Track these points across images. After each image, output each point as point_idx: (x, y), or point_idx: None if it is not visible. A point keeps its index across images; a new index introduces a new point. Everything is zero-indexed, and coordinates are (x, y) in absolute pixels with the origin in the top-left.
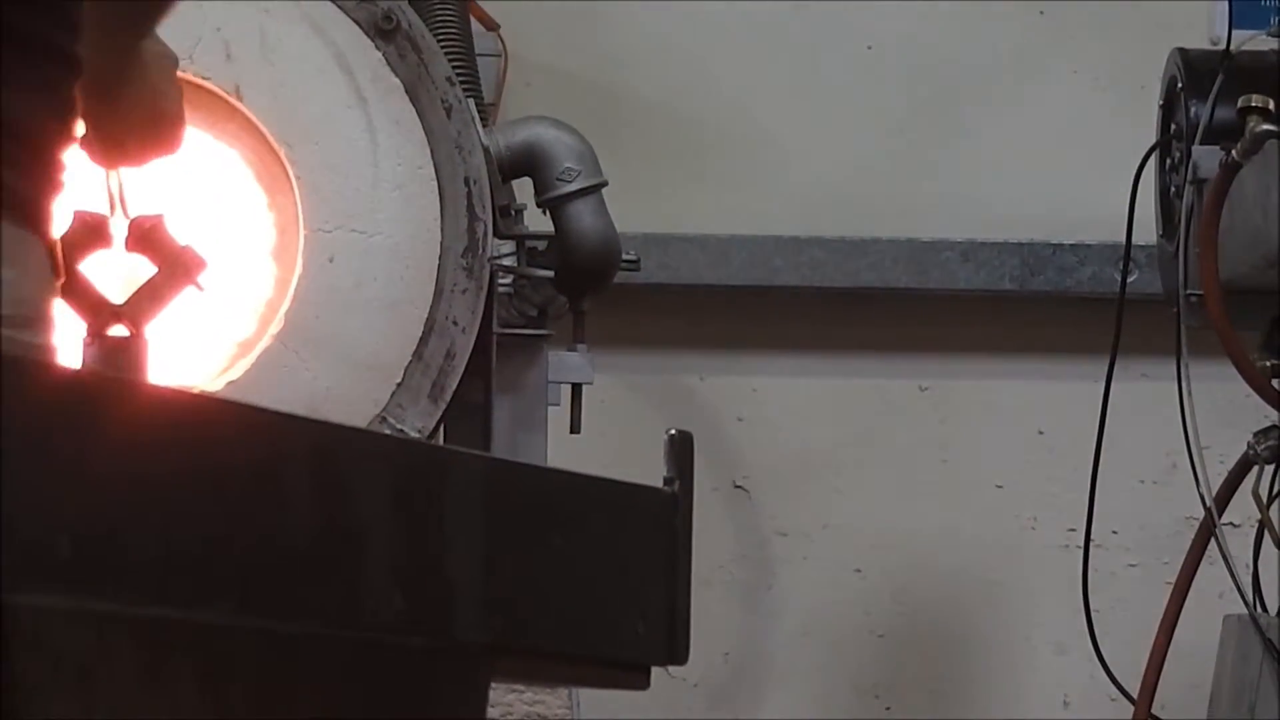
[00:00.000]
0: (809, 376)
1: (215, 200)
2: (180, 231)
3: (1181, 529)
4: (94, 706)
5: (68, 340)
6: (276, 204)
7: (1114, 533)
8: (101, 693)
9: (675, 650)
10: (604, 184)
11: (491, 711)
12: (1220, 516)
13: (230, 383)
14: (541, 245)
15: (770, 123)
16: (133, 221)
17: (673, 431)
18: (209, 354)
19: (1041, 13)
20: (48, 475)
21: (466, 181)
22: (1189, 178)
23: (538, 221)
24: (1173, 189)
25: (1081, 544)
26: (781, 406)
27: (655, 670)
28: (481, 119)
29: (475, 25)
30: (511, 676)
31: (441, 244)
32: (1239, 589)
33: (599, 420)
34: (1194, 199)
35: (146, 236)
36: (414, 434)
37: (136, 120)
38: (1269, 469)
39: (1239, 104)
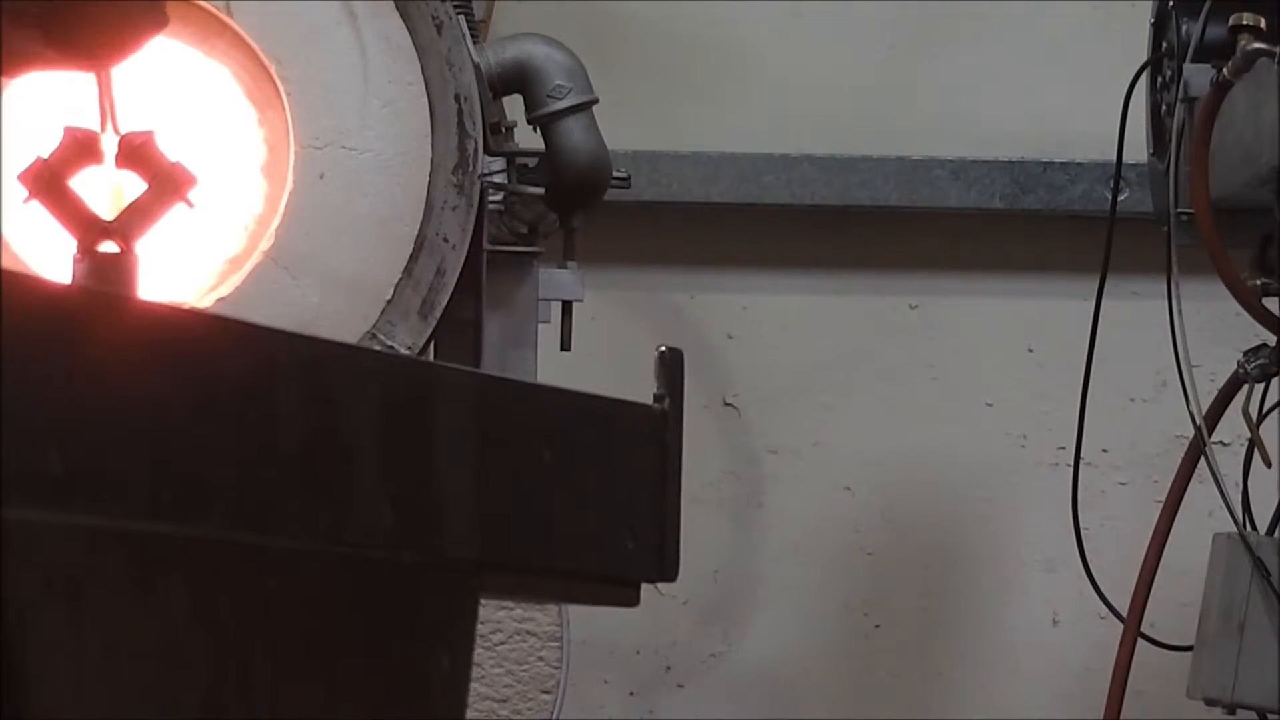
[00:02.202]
0: (799, 294)
1: (205, 116)
2: (170, 148)
3: (1171, 447)
4: (85, 623)
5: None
6: (267, 120)
7: (1104, 451)
8: (92, 609)
9: (665, 567)
10: (595, 101)
11: (481, 629)
12: (1210, 435)
13: (220, 299)
14: (532, 162)
15: (761, 39)
16: (123, 138)
17: (663, 348)
18: (199, 270)
19: None
20: (39, 390)
21: (457, 98)
22: (1180, 96)
23: (528, 139)
24: (1164, 107)
25: (1071, 462)
26: (772, 324)
27: (645, 587)
28: (472, 35)
29: None
30: (501, 592)
31: (432, 161)
32: (1229, 507)
33: (589, 337)
34: (1185, 117)
35: (137, 153)
36: (404, 351)
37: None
38: (1259, 387)
39: (1230, 22)
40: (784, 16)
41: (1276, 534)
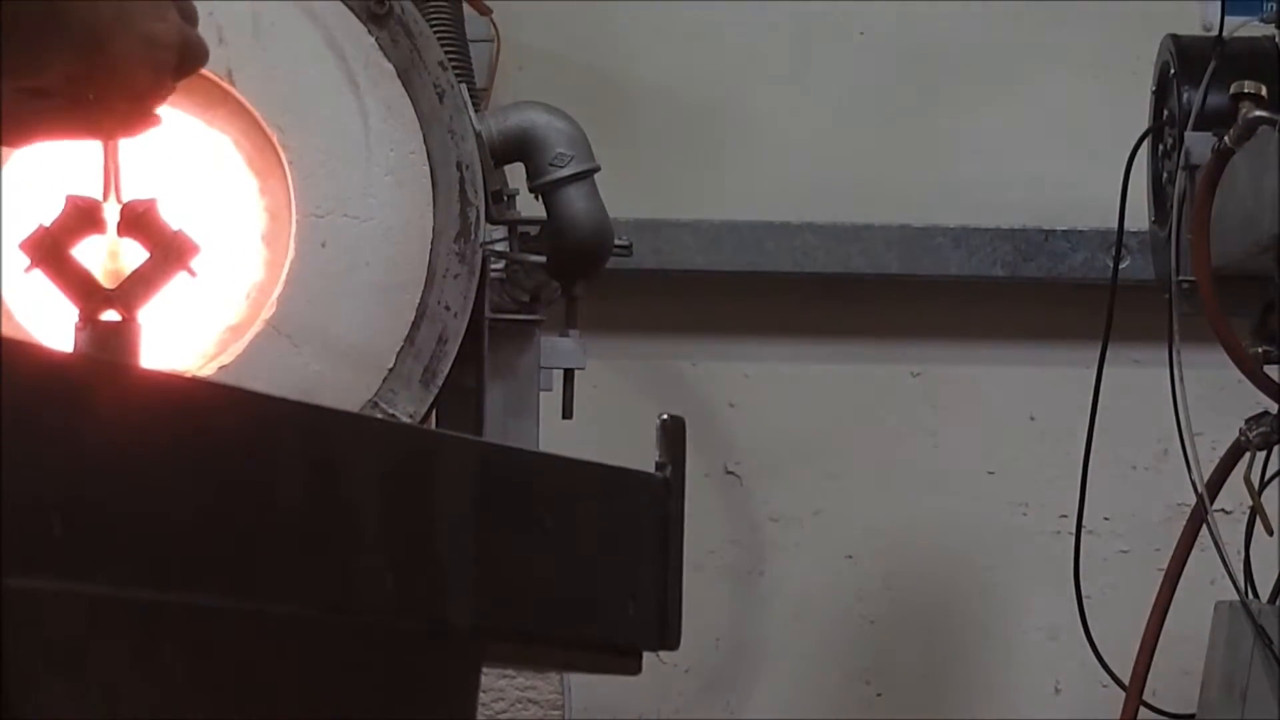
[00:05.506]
0: (801, 362)
1: (207, 185)
2: (173, 216)
3: (1173, 515)
4: (85, 690)
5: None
6: (268, 188)
7: (1105, 519)
8: (92, 676)
9: (667, 635)
10: (596, 169)
11: (483, 697)
12: (1212, 503)
13: (221, 367)
14: (534, 230)
15: (763, 108)
16: (125, 206)
17: (665, 416)
18: (200, 338)
19: None
20: (41, 458)
21: (459, 167)
22: (1181, 164)
23: (530, 207)
24: (1165, 175)
25: (1073, 530)
26: (773, 392)
27: (646, 656)
28: (474, 104)
29: (467, 10)
30: (503, 661)
31: (434, 229)
32: (1230, 575)
33: (591, 406)
34: (1186, 185)
35: (139, 221)
36: (406, 419)
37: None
38: (1260, 455)
39: (1231, 90)
40: (785, 85)
41: (1278, 602)
